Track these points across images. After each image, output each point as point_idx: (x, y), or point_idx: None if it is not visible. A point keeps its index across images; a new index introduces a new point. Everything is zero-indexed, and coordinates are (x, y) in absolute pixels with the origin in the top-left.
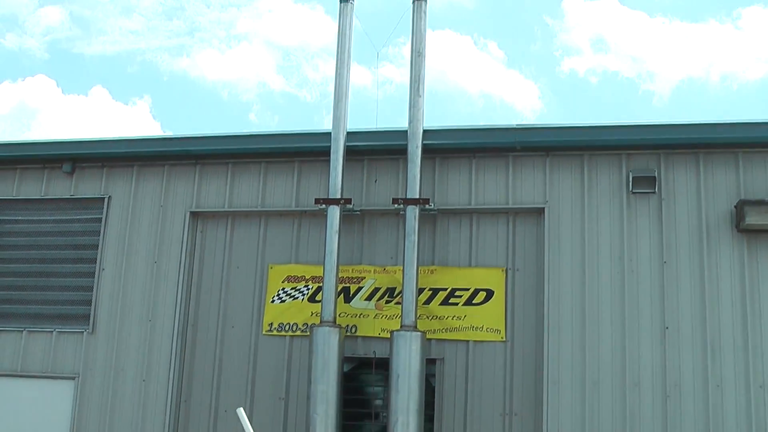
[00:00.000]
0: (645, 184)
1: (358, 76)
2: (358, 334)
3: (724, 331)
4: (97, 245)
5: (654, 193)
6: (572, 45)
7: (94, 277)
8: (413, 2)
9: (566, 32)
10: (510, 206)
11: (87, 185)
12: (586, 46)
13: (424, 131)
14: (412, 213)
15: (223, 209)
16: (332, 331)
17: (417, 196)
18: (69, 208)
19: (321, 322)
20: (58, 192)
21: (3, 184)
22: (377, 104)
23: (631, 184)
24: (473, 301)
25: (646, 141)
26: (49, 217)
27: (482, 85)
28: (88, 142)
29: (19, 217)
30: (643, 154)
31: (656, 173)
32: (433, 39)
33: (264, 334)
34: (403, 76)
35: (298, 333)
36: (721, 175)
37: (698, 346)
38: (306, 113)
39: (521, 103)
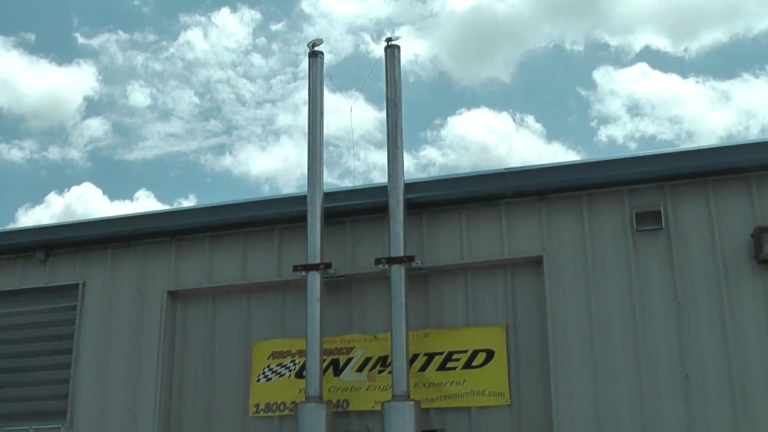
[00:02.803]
0: (650, 220)
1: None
2: (350, 408)
3: (755, 377)
4: (73, 335)
5: (661, 229)
6: (608, 113)
7: (70, 368)
8: (385, 49)
9: (600, 102)
10: (506, 258)
11: (61, 272)
12: (622, 113)
13: (406, 184)
14: (398, 273)
15: (203, 286)
16: (318, 408)
17: (401, 255)
18: (43, 297)
19: (306, 398)
20: (33, 281)
21: None
22: (353, 163)
23: (635, 221)
24: (472, 364)
25: (647, 173)
26: (23, 309)
27: (525, 159)
28: (61, 227)
29: None
30: (646, 188)
31: (662, 207)
32: (470, 118)
33: (251, 417)
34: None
35: (287, 412)
36: (734, 202)
37: (725, 394)
38: None
39: None
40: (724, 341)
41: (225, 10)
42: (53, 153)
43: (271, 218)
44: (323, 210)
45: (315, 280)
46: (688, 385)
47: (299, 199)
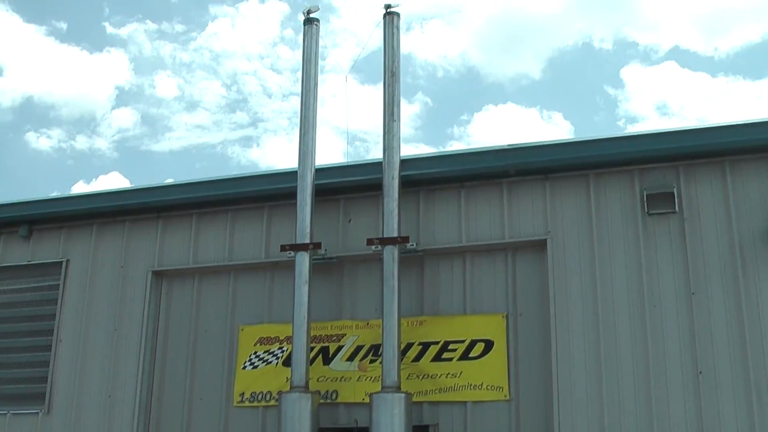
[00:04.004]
0: (663, 202)
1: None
2: (339, 400)
3: None
4: (54, 315)
5: (674, 212)
6: (636, 112)
7: (50, 350)
8: (384, 17)
9: (627, 101)
10: (507, 241)
11: (44, 249)
12: (650, 112)
13: (402, 160)
14: (391, 254)
15: (188, 266)
16: (303, 398)
17: (395, 235)
18: (26, 275)
19: (291, 387)
20: (15, 258)
21: None
22: (347, 137)
23: (646, 203)
24: (470, 355)
25: (660, 152)
26: (5, 287)
27: None
28: (44, 202)
29: None
30: (658, 168)
31: (675, 189)
32: (497, 113)
33: (235, 406)
34: None
35: (273, 402)
36: (753, 184)
37: (740, 391)
38: None
39: None
40: (740, 334)
41: (253, 2)
42: (81, 142)
43: (260, 194)
44: (314, 186)
45: (303, 260)
46: (700, 381)
47: (289, 175)
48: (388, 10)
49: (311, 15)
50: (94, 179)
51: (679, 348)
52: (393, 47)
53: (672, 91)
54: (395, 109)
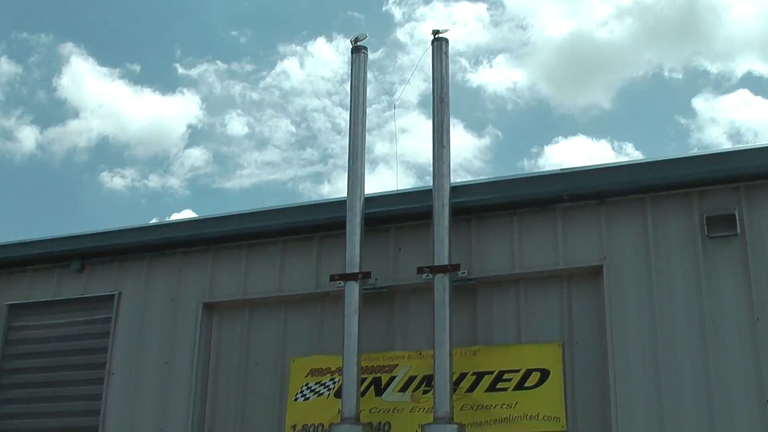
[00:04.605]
0: (723, 225)
1: None
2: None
3: None
4: (107, 348)
5: (736, 235)
6: (708, 141)
7: (103, 383)
8: (432, 43)
9: (700, 130)
10: (562, 268)
11: (97, 283)
12: (723, 141)
13: (452, 188)
14: (442, 283)
15: (239, 298)
16: (354, 430)
17: (446, 263)
18: (79, 308)
19: (341, 419)
20: (69, 292)
21: (16, 287)
22: (397, 165)
23: (706, 227)
24: (525, 385)
25: (719, 172)
26: (59, 321)
27: None
28: (97, 235)
29: (31, 323)
30: (718, 190)
31: (736, 211)
32: (568, 146)
33: None
34: None
35: None
36: None
37: None
38: None
39: None
40: None
41: (321, 40)
42: (154, 181)
43: (310, 225)
44: (363, 215)
45: (353, 290)
46: (767, 411)
47: (339, 205)
48: (437, 36)
49: (359, 43)
50: (167, 217)
51: (744, 376)
52: (442, 73)
53: (745, 119)
54: (444, 136)
